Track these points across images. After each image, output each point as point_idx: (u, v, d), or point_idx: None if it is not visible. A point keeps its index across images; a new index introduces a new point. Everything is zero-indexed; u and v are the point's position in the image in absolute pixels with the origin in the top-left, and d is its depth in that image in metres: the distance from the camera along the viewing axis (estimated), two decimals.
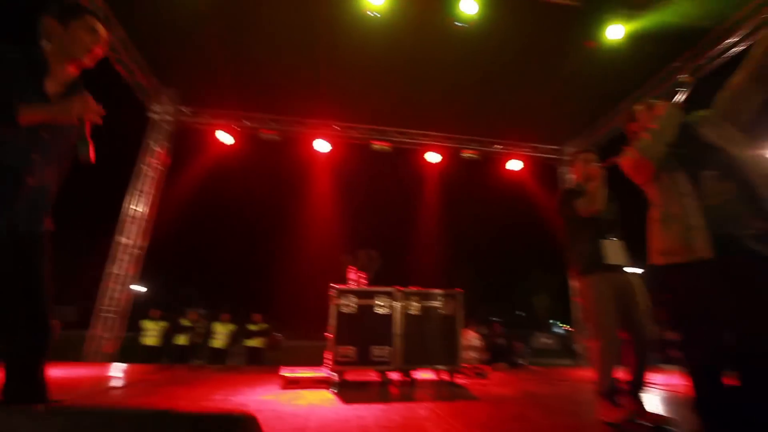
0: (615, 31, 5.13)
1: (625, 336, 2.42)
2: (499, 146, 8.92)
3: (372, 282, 4.97)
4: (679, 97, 1.86)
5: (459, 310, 4.19)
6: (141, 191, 7.46)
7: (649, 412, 2.27)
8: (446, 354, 4.04)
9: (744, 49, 5.68)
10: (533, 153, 9.13)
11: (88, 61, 1.67)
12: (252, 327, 9.46)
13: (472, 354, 8.00)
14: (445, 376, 4.12)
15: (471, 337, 8.42)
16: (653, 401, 3.26)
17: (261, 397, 3.15)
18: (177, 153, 8.34)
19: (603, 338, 2.41)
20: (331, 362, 3.78)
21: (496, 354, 9.97)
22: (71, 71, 1.64)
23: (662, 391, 3.81)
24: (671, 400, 3.36)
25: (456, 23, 4.93)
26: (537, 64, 6.50)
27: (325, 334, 3.97)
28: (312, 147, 8.28)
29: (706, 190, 1.63)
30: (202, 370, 5.23)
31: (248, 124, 8.21)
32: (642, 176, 1.87)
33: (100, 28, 1.68)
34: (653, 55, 6.21)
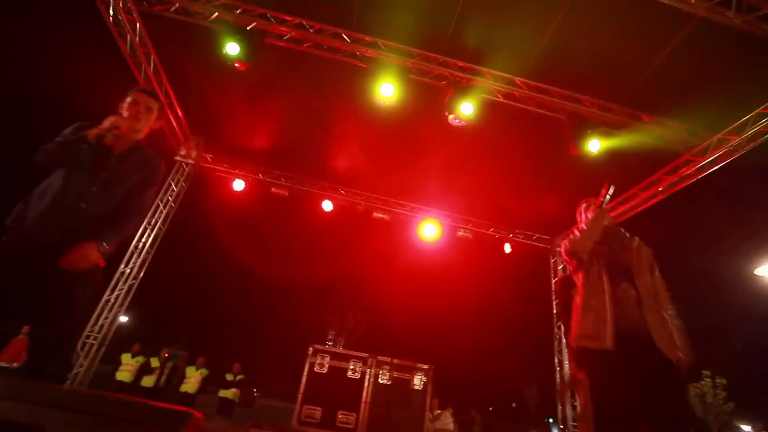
0: (594, 145, 5.77)
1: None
2: (493, 230, 9.38)
3: (355, 345, 5.11)
4: (605, 201, 2.30)
5: (429, 385, 4.28)
6: (152, 225, 7.87)
7: None
8: (411, 429, 4.07)
9: (713, 171, 6.30)
10: (525, 240, 9.54)
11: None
12: (229, 377, 9.24)
13: None
14: None
15: (446, 420, 8.17)
16: None
17: None
18: (191, 195, 8.91)
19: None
20: (295, 422, 3.84)
21: None
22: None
23: None
24: None
25: (456, 121, 5.62)
26: (530, 162, 7.16)
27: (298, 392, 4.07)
28: (316, 208, 8.79)
29: (618, 293, 2.03)
30: None
31: (261, 177, 8.83)
32: (571, 264, 2.28)
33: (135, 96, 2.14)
34: (637, 166, 6.86)
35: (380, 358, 4.31)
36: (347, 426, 3.91)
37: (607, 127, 6.10)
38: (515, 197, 8.40)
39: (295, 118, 7.36)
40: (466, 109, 5.43)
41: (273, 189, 8.68)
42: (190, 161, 8.45)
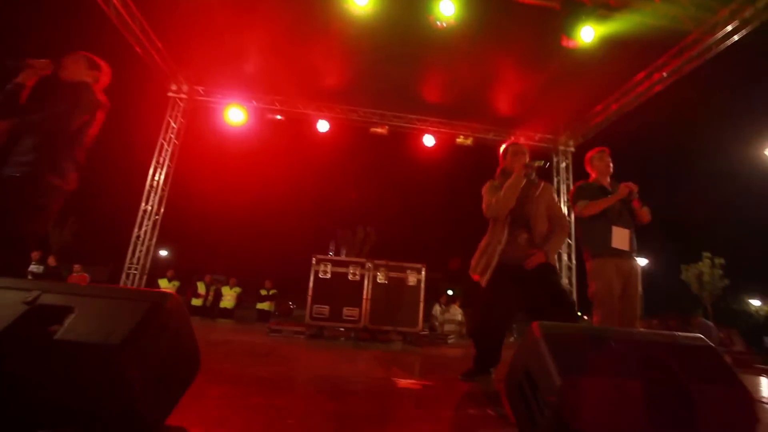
0: (587, 33, 5.43)
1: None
2: (494, 135, 9.30)
3: (368, 255, 5.65)
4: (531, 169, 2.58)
5: (422, 282, 4.85)
6: (161, 164, 8.27)
7: None
8: (408, 318, 4.74)
9: (717, 52, 5.91)
10: (528, 141, 9.46)
11: None
12: (263, 291, 10.41)
13: (454, 327, 8.69)
14: (406, 337, 4.83)
15: (454, 311, 9.11)
16: None
17: (246, 339, 3.93)
18: (192, 129, 9.10)
19: (602, 312, 2.73)
20: (308, 317, 4.54)
21: None
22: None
23: None
24: None
25: (437, 22, 5.34)
26: (525, 59, 6.83)
27: (303, 294, 4.71)
28: (314, 127, 8.85)
29: (512, 239, 2.52)
30: (207, 322, 6.10)
31: (255, 104, 8.82)
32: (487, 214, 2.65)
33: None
34: (637, 54, 6.47)
35: (377, 261, 4.84)
36: (352, 318, 4.61)
37: (606, 10, 5.66)
38: (515, 98, 8.16)
39: (278, 37, 7.09)
40: (446, 8, 5.13)
41: (268, 115, 8.72)
42: (183, 95, 8.47)
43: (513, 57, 6.81)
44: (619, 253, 2.83)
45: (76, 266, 9.28)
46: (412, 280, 4.82)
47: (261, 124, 9.35)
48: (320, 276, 4.65)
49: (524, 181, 2.53)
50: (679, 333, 1.54)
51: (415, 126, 9.06)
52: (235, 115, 8.50)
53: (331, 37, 6.82)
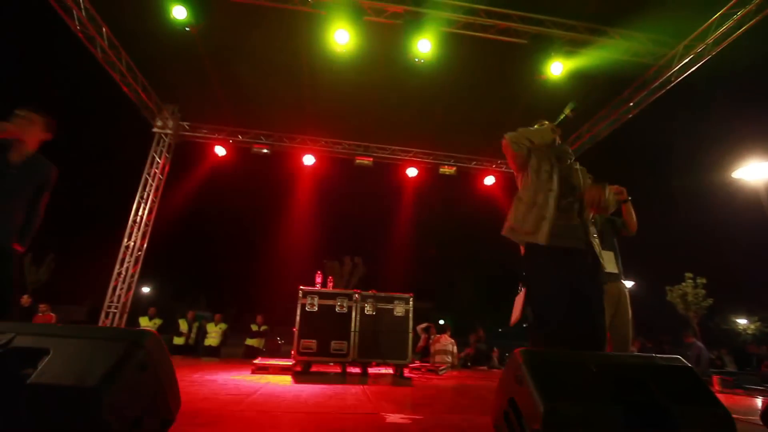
0: (556, 68, 5.77)
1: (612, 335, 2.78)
2: (476, 163, 9.57)
3: (356, 286, 5.60)
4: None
5: (410, 312, 4.82)
6: (145, 198, 8.19)
7: None
8: (396, 350, 4.66)
9: (677, 83, 6.34)
10: (507, 170, 9.76)
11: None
12: (254, 327, 10.11)
13: (446, 358, 8.53)
14: (396, 369, 4.73)
15: (445, 342, 8.97)
16: None
17: (232, 377, 3.80)
18: (178, 164, 9.12)
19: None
20: (295, 353, 4.42)
21: (477, 357, 10.49)
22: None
23: None
24: None
25: (415, 59, 5.62)
26: (500, 92, 7.18)
27: (292, 329, 4.62)
28: (299, 160, 8.98)
29: (563, 205, 2.08)
30: (189, 360, 5.88)
31: (241, 138, 8.94)
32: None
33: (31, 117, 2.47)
34: (605, 86, 6.88)
35: (364, 292, 4.81)
36: (340, 352, 4.50)
37: (571, 47, 6.06)
38: (493, 128, 8.47)
39: (262, 75, 7.32)
40: (423, 46, 5.41)
41: (254, 148, 8.83)
42: (169, 131, 8.53)
43: (489, 89, 7.15)
44: (608, 278, 2.82)
45: (42, 306, 8.83)
46: (399, 310, 4.78)
47: (247, 159, 9.43)
48: (307, 309, 4.58)
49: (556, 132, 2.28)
50: (658, 355, 1.57)
51: (399, 157, 9.27)
52: (220, 150, 8.57)
53: (315, 73, 7.07)
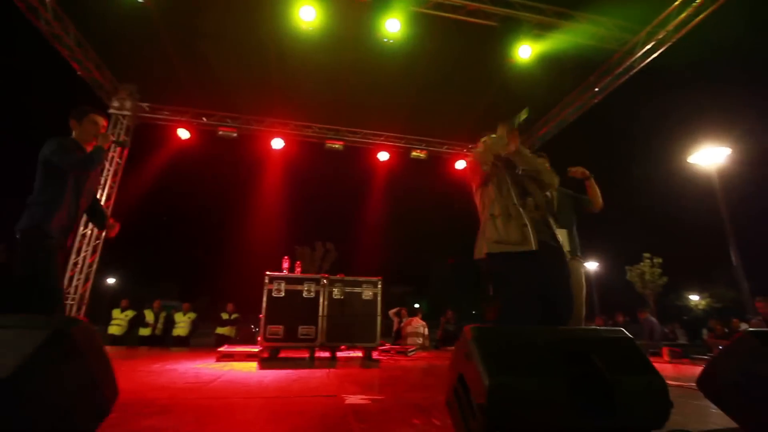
0: (524, 51, 5.81)
1: None
2: (447, 147, 9.59)
3: (329, 271, 5.54)
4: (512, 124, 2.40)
5: (379, 295, 4.82)
6: (102, 184, 7.75)
7: None
8: (365, 333, 4.67)
9: (639, 69, 6.51)
10: None
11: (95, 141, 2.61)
12: (224, 315, 9.90)
13: (417, 340, 8.67)
14: (365, 352, 4.75)
15: (416, 324, 9.11)
16: None
17: (194, 365, 3.70)
18: (140, 148, 8.67)
19: None
20: (261, 339, 4.36)
21: (446, 338, 10.73)
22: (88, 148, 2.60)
23: None
24: None
25: (384, 39, 5.50)
26: (471, 75, 7.16)
27: (259, 315, 4.53)
28: (268, 144, 8.72)
29: (530, 203, 2.27)
30: (160, 351, 5.71)
31: (206, 121, 8.57)
32: (476, 177, 2.45)
33: (100, 120, 2.66)
34: (572, 70, 6.99)
35: (332, 277, 4.77)
36: (308, 337, 4.47)
37: (539, 30, 6.08)
38: (464, 111, 8.49)
39: (227, 54, 6.99)
40: (392, 26, 5.29)
41: (220, 131, 8.50)
42: (126, 112, 8.06)
43: (459, 72, 7.12)
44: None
45: None
46: (368, 294, 4.78)
47: (213, 142, 9.08)
48: (273, 295, 4.50)
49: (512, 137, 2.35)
50: (602, 327, 1.62)
51: (370, 140, 9.16)
52: (183, 133, 8.20)
53: (282, 53, 6.82)
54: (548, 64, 6.60)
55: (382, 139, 9.17)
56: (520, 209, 2.22)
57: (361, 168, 9.96)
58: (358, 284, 4.79)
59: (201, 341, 9.80)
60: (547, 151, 2.93)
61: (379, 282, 4.85)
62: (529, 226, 2.14)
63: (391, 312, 8.63)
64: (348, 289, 4.75)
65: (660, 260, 17.28)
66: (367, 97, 8.00)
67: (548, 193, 2.41)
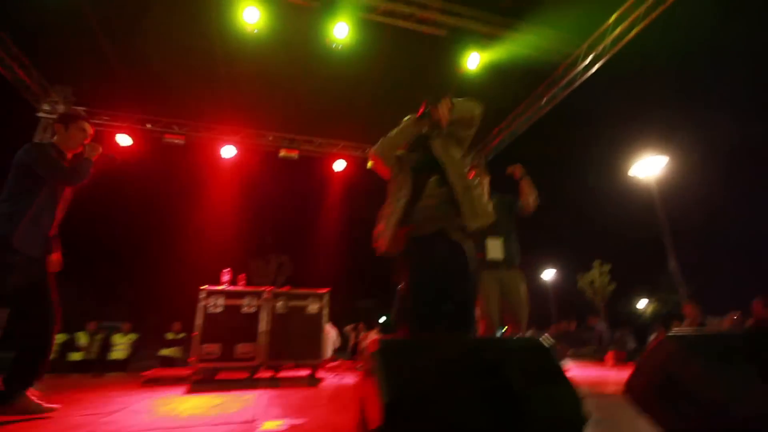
0: (473, 61, 5.88)
1: (507, 319, 2.88)
2: None
3: (284, 285, 5.21)
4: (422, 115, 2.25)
5: (324, 309, 4.58)
6: None
7: None
8: (309, 349, 4.41)
9: (582, 82, 6.78)
10: None
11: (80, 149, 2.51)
12: (169, 335, 9.20)
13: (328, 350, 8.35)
14: (309, 370, 4.48)
15: (329, 333, 8.78)
16: None
17: (107, 394, 3.29)
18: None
19: (486, 324, 2.83)
20: (195, 359, 3.99)
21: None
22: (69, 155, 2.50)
23: None
24: None
25: (333, 45, 5.39)
26: (423, 83, 7.17)
27: (192, 334, 4.17)
28: (218, 152, 8.32)
29: (428, 191, 2.06)
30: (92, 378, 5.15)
31: (150, 127, 8.07)
32: (380, 171, 2.27)
33: (88, 128, 2.59)
34: (520, 81, 7.17)
35: (275, 290, 4.49)
36: (247, 356, 4.15)
37: (488, 41, 6.18)
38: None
39: (170, 55, 6.62)
40: (340, 31, 5.19)
41: (166, 137, 8.02)
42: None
43: (412, 81, 7.10)
44: (495, 265, 2.89)
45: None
46: (313, 308, 4.53)
47: (159, 150, 8.55)
48: (210, 311, 4.16)
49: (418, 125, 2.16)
50: (517, 337, 1.51)
51: (326, 150, 8.97)
52: (124, 139, 7.67)
53: (231, 58, 6.54)
54: (497, 74, 6.72)
55: (338, 148, 9.00)
56: (397, 207, 2.06)
57: (318, 177, 9.71)
58: (304, 297, 4.53)
59: (142, 365, 9.05)
60: (498, 161, 2.90)
61: (326, 295, 4.62)
62: (393, 227, 2.00)
63: (348, 328, 8.36)
64: (292, 303, 4.48)
65: (609, 267, 18.05)
66: (323, 105, 7.83)
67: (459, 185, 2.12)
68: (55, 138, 2.49)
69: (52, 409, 2.25)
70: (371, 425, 1.15)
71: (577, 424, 1.23)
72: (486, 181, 3.22)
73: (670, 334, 1.84)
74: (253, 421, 2.15)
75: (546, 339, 1.53)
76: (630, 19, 5.76)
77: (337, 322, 8.87)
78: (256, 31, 5.12)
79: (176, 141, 8.15)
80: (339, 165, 8.87)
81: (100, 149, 2.56)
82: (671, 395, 1.66)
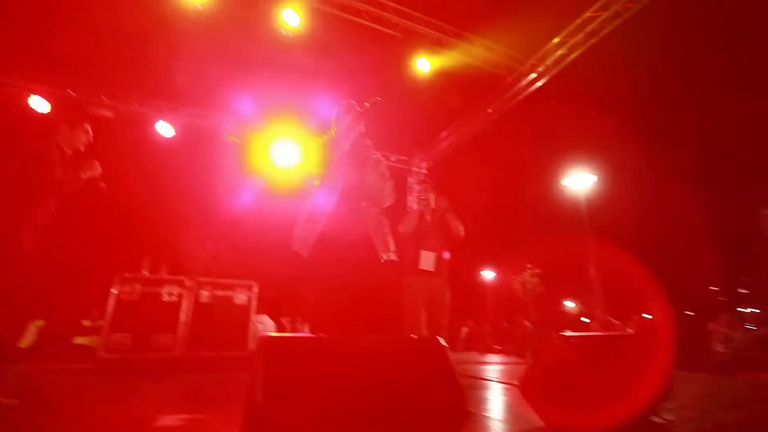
0: (423, 65, 6.01)
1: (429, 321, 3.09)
2: None
3: (222, 273, 4.96)
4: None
5: (253, 300, 4.47)
6: None
7: None
8: (234, 341, 4.28)
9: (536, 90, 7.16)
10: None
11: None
12: (86, 323, 8.42)
13: None
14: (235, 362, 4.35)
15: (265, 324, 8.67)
16: None
17: None
18: None
19: (409, 322, 3.06)
20: (102, 350, 3.72)
21: None
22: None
23: None
24: None
25: (282, 31, 5.23)
26: (375, 79, 7.19)
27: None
28: (154, 129, 7.76)
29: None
30: None
31: (74, 94, 7.31)
32: None
33: (90, 130, 2.66)
34: (468, 91, 7.45)
35: (200, 278, 4.30)
36: (164, 346, 3.94)
37: (439, 47, 6.33)
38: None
39: (94, 22, 6.05)
40: (291, 18, 5.05)
41: (91, 110, 7.31)
42: None
43: (363, 75, 7.08)
44: (426, 272, 3.14)
45: None
46: (241, 298, 4.40)
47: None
48: (123, 298, 3.88)
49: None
50: (413, 337, 1.59)
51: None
52: (38, 104, 6.88)
53: (170, 33, 6.10)
54: (446, 81, 6.92)
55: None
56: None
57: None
58: (230, 287, 4.39)
59: (53, 353, 8.25)
60: (442, 168, 3.06)
61: (254, 286, 4.50)
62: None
63: (284, 320, 8.18)
64: (219, 293, 4.32)
65: (539, 270, 19.53)
66: (278, 93, 7.59)
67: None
68: (59, 136, 2.56)
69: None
70: (254, 404, 1.15)
71: (457, 413, 1.33)
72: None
73: (557, 334, 2.03)
74: (150, 417, 2.05)
75: (441, 340, 1.63)
76: (569, 44, 6.17)
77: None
78: (200, 6, 4.82)
79: (103, 112, 7.46)
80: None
81: (99, 169, 2.59)
82: (554, 392, 1.84)
